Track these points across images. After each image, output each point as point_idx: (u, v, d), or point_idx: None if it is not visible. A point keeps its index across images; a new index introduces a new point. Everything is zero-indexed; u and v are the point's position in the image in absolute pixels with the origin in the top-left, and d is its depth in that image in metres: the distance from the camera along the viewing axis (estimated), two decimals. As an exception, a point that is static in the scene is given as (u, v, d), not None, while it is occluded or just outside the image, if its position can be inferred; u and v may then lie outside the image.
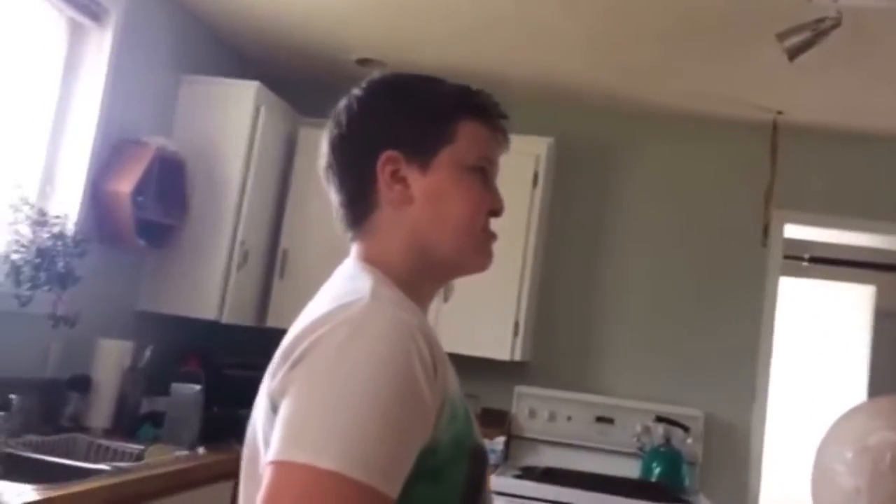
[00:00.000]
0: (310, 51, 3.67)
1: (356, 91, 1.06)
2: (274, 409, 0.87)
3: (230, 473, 2.72)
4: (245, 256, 3.37)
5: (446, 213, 1.01)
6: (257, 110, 3.36)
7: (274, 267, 3.63)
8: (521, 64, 3.55)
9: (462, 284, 3.38)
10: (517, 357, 3.51)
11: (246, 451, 0.97)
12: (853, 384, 5.08)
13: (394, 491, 0.80)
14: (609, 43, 3.21)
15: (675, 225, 3.83)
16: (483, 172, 1.04)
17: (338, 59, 3.68)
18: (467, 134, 1.03)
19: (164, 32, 3.30)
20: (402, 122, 1.03)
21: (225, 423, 2.87)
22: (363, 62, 3.67)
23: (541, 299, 3.77)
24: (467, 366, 3.58)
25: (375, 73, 1.09)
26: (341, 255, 1.07)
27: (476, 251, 1.04)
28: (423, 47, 3.48)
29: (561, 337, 3.81)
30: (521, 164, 3.54)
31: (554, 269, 3.82)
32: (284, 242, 3.64)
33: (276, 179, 3.62)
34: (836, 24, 2.34)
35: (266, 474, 0.81)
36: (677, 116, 3.83)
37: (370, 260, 1.02)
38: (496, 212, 1.06)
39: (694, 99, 3.65)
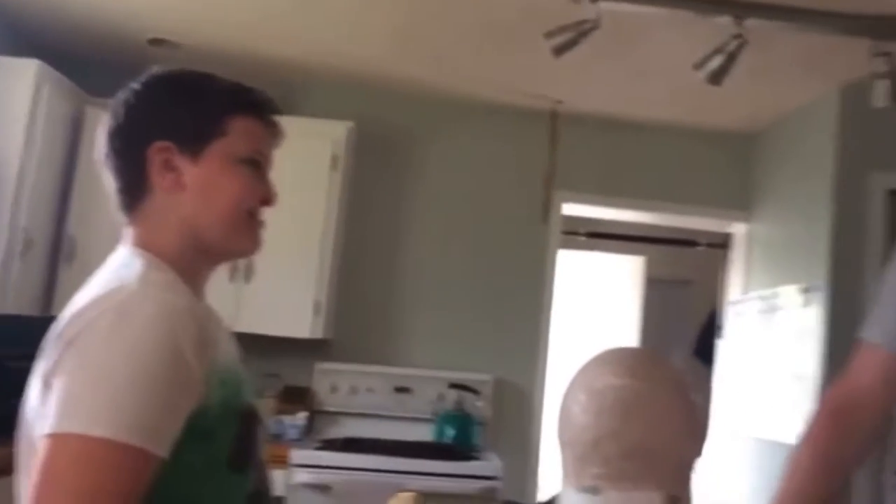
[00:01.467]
0: (98, 28, 3.51)
1: (134, 85, 1.13)
2: (47, 387, 0.94)
3: (5, 469, 2.61)
4: (28, 243, 3.21)
5: (215, 200, 1.10)
6: (38, 90, 3.19)
7: (60, 254, 3.48)
8: (322, 49, 3.60)
9: (263, 265, 3.44)
10: (318, 335, 3.61)
11: (21, 440, 1.01)
12: (626, 344, 5.63)
13: (163, 450, 0.92)
14: (407, 31, 3.34)
15: (466, 205, 4.09)
16: (255, 165, 1.14)
17: (129, 39, 3.54)
18: (239, 129, 1.12)
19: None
20: (176, 115, 1.11)
21: (3, 416, 2.73)
22: (156, 42, 3.55)
23: (342, 278, 3.88)
24: (269, 345, 3.65)
25: (155, 68, 1.16)
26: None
27: (242, 236, 1.14)
28: (220, 30, 3.44)
29: (362, 314, 3.95)
30: (320, 147, 3.63)
31: (355, 250, 3.94)
32: (71, 228, 3.50)
33: (60, 163, 3.46)
34: (595, 26, 2.65)
35: (41, 447, 0.89)
36: (470, 103, 4.07)
37: (144, 245, 1.09)
38: (267, 201, 1.15)
39: (485, 88, 3.89)
